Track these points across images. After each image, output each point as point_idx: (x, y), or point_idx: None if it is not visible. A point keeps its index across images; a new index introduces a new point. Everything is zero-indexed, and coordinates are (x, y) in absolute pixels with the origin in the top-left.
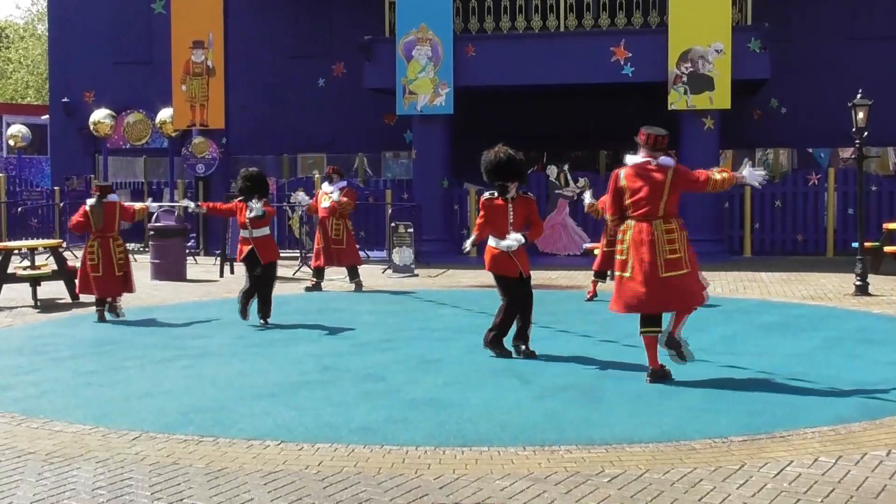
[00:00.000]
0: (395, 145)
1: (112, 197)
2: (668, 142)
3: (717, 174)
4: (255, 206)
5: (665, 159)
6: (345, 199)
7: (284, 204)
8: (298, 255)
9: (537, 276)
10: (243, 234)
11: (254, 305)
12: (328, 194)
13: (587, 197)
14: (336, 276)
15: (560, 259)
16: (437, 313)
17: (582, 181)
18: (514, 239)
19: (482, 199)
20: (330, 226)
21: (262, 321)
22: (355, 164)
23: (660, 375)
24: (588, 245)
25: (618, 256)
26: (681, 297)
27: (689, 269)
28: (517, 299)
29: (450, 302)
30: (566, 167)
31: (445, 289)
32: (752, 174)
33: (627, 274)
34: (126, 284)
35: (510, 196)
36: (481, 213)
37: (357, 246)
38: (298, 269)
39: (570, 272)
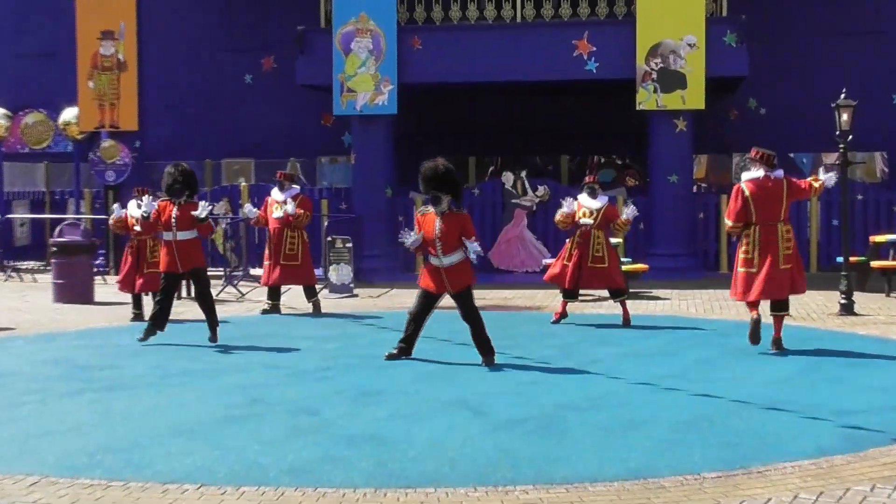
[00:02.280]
0: (332, 149)
1: None
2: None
3: (814, 182)
4: (204, 205)
5: (779, 172)
6: (301, 210)
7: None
8: (223, 273)
9: (491, 296)
10: (166, 236)
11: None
12: (279, 203)
13: (566, 204)
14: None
15: (518, 276)
16: (379, 338)
17: (541, 189)
18: (473, 249)
19: (417, 213)
20: (284, 239)
21: (211, 339)
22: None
23: (781, 346)
24: (548, 260)
25: (743, 256)
26: (792, 284)
27: (797, 263)
28: (419, 314)
29: (393, 325)
30: (524, 174)
31: (388, 310)
32: (829, 178)
33: (753, 270)
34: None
35: (441, 209)
36: (416, 226)
37: (316, 263)
38: (223, 290)
39: (528, 291)
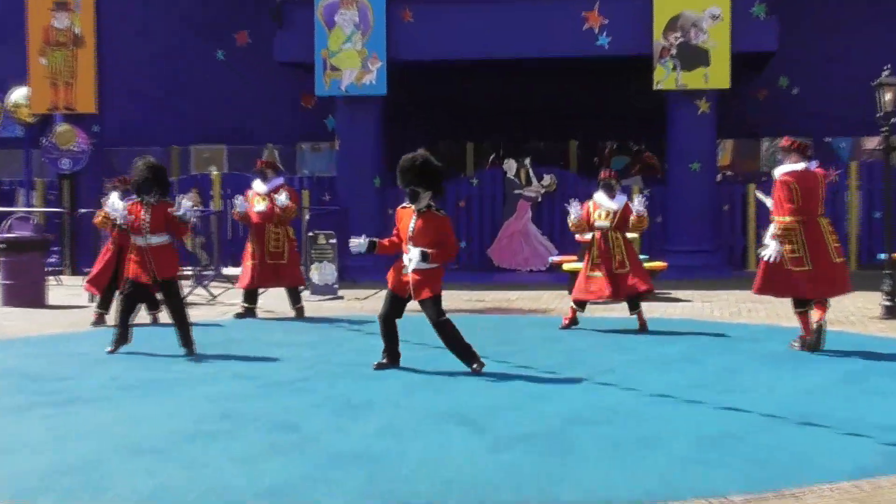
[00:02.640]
0: (314, 134)
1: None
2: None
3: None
4: (185, 204)
5: (814, 163)
6: (291, 203)
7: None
8: (192, 273)
9: (491, 297)
10: (137, 241)
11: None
12: (261, 195)
13: (573, 210)
14: (238, 298)
15: (521, 276)
16: (367, 345)
17: (547, 178)
18: (412, 257)
19: (399, 207)
20: (267, 235)
21: (187, 352)
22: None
23: (812, 345)
24: (556, 258)
25: (792, 255)
26: (845, 280)
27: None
28: (388, 316)
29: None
30: (528, 161)
31: (377, 314)
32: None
33: (807, 268)
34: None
35: (420, 207)
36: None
37: (301, 262)
38: (192, 291)
39: (532, 292)
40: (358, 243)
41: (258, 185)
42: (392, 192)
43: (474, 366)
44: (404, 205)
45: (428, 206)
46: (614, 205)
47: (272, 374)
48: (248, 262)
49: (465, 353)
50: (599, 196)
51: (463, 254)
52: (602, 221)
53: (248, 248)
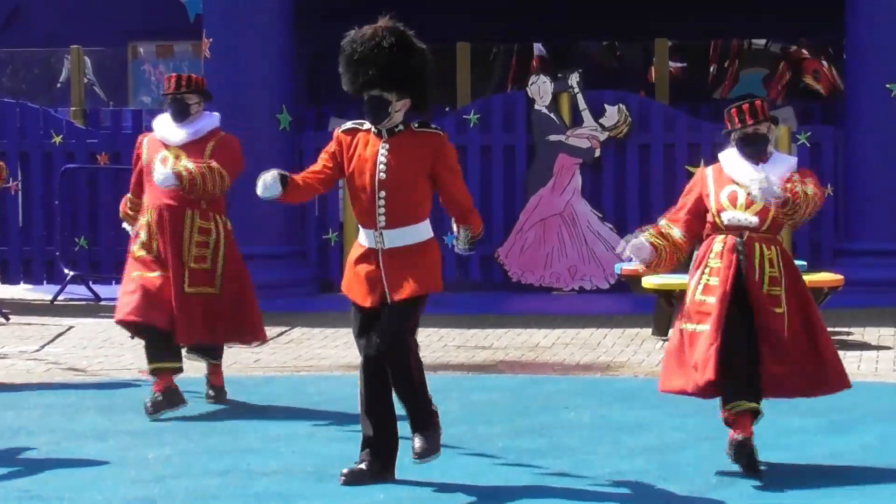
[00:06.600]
0: (161, 28)
1: None
2: None
3: None
4: None
5: None
6: (218, 167)
7: None
8: None
9: (506, 342)
10: None
11: None
12: (172, 150)
13: (632, 248)
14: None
15: (561, 300)
16: (277, 434)
17: (613, 113)
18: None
19: (336, 130)
20: (187, 232)
21: None
22: (63, 72)
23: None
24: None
25: None
26: None
27: None
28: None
29: (297, 413)
30: (575, 80)
31: (288, 373)
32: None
33: None
34: None
35: (391, 126)
36: (325, 153)
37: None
38: None
39: (583, 331)
40: (263, 181)
41: (166, 127)
42: (312, 138)
43: (422, 443)
44: (350, 125)
45: (406, 123)
46: (773, 175)
47: (87, 498)
48: (134, 273)
49: (419, 412)
50: (731, 160)
51: (450, 259)
52: (740, 214)
53: (134, 258)
